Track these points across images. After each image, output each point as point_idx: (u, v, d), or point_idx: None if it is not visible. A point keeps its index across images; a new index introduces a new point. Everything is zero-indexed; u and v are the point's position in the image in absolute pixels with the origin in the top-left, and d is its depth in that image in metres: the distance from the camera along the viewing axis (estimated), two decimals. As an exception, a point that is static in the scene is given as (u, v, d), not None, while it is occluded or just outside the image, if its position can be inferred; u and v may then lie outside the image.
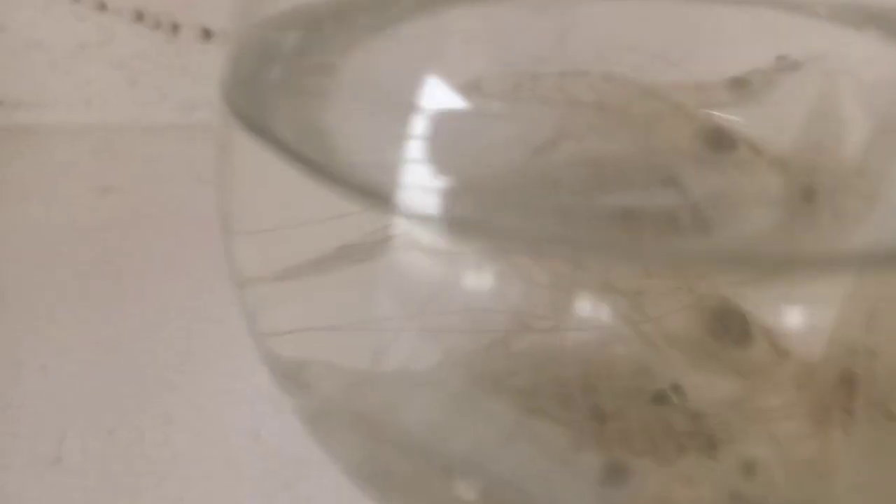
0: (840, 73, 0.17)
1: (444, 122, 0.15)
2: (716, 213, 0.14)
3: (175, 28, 0.33)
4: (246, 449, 0.19)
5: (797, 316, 0.12)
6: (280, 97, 0.15)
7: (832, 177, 0.14)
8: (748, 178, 0.15)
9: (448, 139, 0.15)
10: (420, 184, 0.13)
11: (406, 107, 0.14)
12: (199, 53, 0.33)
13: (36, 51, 0.33)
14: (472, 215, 0.14)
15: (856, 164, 0.14)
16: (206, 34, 0.33)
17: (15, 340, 0.22)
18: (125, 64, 0.33)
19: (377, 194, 0.13)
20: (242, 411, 0.20)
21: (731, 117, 0.16)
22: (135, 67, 0.33)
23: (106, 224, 0.27)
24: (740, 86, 0.17)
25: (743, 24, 0.18)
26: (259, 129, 0.14)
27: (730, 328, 0.12)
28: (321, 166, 0.13)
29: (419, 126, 0.14)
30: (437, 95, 0.15)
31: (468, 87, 0.16)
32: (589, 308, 0.13)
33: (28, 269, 0.25)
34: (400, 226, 0.13)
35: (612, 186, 0.15)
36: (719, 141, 0.15)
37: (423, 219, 0.13)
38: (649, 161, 0.15)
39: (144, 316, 0.23)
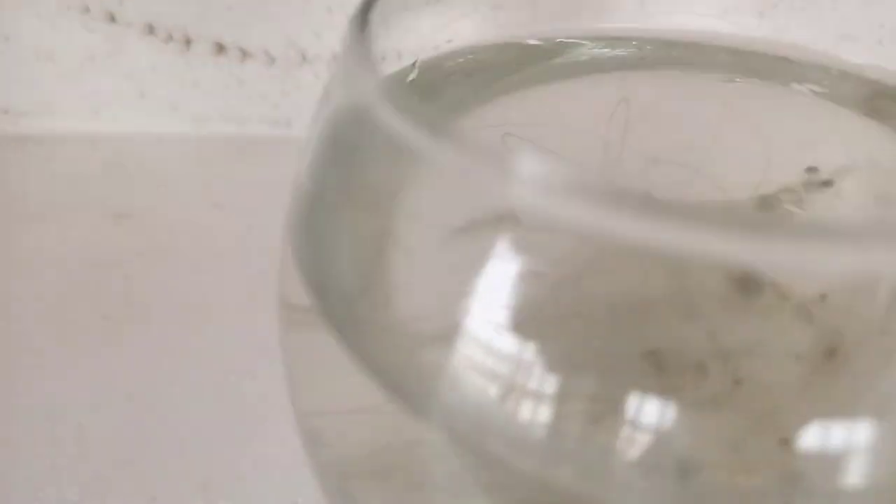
0: (876, 195, 0.17)
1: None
2: (744, 362, 0.15)
3: (188, 42, 0.32)
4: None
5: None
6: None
7: (856, 334, 0.15)
8: (774, 326, 0.16)
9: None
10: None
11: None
12: (212, 67, 0.33)
13: (44, 61, 0.33)
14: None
15: (880, 321, 0.15)
16: (220, 48, 0.33)
17: (44, 392, 0.23)
18: (134, 76, 0.33)
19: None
20: (278, 478, 0.20)
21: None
22: (145, 79, 0.33)
23: (123, 256, 0.28)
24: (769, 206, 0.17)
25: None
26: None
27: (747, 283, 0.15)
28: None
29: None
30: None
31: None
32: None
33: (50, 306, 0.26)
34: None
35: (640, 324, 0.16)
36: (747, 285, 0.16)
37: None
38: (680, 302, 0.16)
39: (174, 365, 0.24)
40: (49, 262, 0.27)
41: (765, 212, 0.17)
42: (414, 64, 0.18)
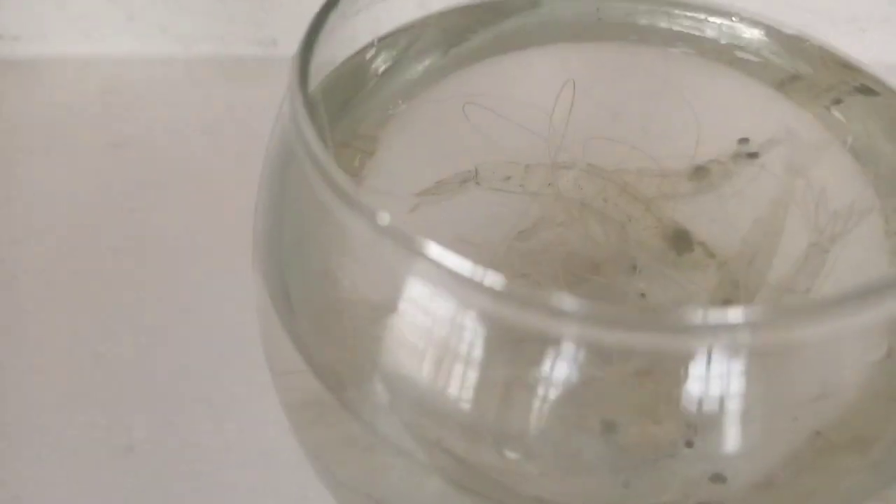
0: (795, 170, 0.19)
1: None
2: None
3: (170, -34, 0.33)
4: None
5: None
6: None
7: (766, 290, 0.18)
8: (700, 279, 0.18)
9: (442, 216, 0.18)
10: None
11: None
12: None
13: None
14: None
15: (788, 280, 0.18)
16: (202, -27, 0.33)
17: (59, 324, 0.25)
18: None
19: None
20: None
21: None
22: (133, 2, 0.34)
23: (124, 187, 0.30)
24: (700, 176, 0.19)
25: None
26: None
27: (679, 241, 0.18)
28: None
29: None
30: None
31: (466, 175, 0.19)
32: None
33: (59, 240, 0.28)
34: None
35: (582, 274, 0.19)
36: (679, 243, 0.18)
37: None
38: (618, 257, 0.19)
39: (180, 293, 0.26)
40: (53, 195, 0.29)
41: (697, 182, 0.20)
42: (372, 43, 0.20)
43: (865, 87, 0.21)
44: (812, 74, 0.20)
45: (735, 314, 0.10)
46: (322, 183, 0.12)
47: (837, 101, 0.20)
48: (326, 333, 0.15)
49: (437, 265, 0.11)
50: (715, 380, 0.10)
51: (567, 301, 0.10)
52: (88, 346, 0.25)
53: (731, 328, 0.10)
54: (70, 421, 0.23)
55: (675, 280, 0.18)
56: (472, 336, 0.11)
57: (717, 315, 0.10)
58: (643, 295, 0.18)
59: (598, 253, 0.19)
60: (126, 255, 0.28)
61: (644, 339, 0.10)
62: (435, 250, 0.11)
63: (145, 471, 0.22)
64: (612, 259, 0.19)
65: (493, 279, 0.10)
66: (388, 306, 0.12)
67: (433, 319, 0.11)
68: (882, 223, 0.18)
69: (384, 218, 0.11)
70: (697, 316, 0.10)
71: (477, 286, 0.10)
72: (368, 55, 0.19)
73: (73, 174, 0.30)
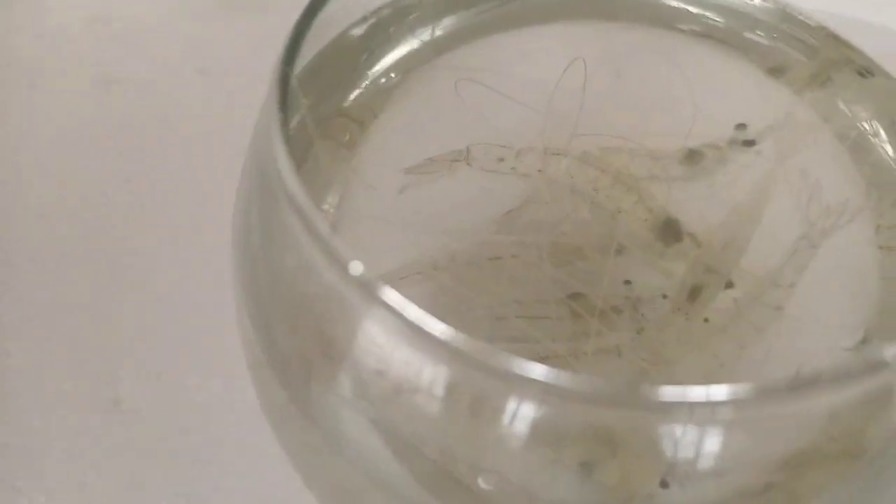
0: (789, 157, 0.19)
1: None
2: (651, 306, 0.18)
3: None
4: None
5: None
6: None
7: (748, 282, 0.18)
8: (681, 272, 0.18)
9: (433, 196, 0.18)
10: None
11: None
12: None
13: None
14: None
15: (774, 273, 0.18)
16: None
17: (47, 273, 0.25)
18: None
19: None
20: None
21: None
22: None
23: (117, 130, 0.29)
24: (693, 160, 0.19)
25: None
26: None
27: (668, 232, 0.18)
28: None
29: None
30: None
31: (457, 155, 0.19)
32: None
33: (44, 185, 0.28)
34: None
35: (568, 259, 0.18)
36: (668, 234, 0.18)
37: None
38: (605, 241, 0.18)
39: (175, 242, 0.26)
40: (46, 133, 0.29)
41: (691, 166, 0.19)
42: (365, 17, 0.19)
43: (864, 68, 0.20)
44: (816, 58, 0.20)
45: (699, 393, 0.10)
46: (300, 228, 0.12)
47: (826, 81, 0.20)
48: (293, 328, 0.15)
49: (404, 320, 0.11)
50: (687, 444, 0.11)
51: (528, 369, 0.10)
52: (76, 296, 0.25)
53: (694, 406, 0.10)
54: (57, 374, 0.24)
55: (661, 269, 0.18)
56: (435, 382, 0.11)
57: (677, 393, 0.10)
58: (628, 282, 0.18)
59: (585, 236, 0.19)
60: (117, 201, 0.27)
61: (608, 415, 0.10)
62: (414, 313, 0.11)
63: (133, 425, 0.23)
64: (599, 243, 0.19)
65: (457, 340, 0.10)
66: (351, 345, 0.12)
67: (398, 363, 0.11)
68: (874, 220, 0.18)
69: (356, 268, 0.11)
70: (658, 395, 0.10)
71: (442, 345, 0.10)
72: (360, 30, 0.19)
73: (63, 111, 0.30)
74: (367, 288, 0.12)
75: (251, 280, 0.15)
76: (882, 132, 0.19)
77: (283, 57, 0.13)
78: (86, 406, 0.23)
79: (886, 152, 0.19)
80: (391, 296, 0.11)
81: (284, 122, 0.12)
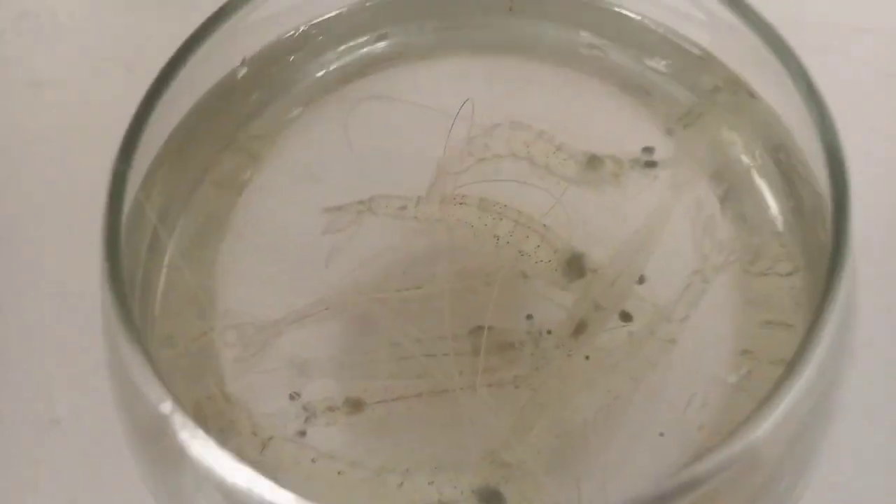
0: (684, 188, 0.19)
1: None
2: (552, 340, 0.18)
3: None
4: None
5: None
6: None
7: (649, 313, 0.18)
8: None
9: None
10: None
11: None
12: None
13: None
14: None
15: (669, 307, 0.18)
16: None
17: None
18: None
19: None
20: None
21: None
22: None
23: (44, 133, 0.29)
24: (592, 165, 0.19)
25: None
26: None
27: (572, 268, 0.19)
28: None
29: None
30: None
31: (362, 204, 0.19)
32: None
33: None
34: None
35: (474, 286, 0.19)
36: (572, 271, 0.19)
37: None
38: (510, 271, 0.19)
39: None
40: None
41: (588, 170, 0.20)
42: (243, 62, 0.19)
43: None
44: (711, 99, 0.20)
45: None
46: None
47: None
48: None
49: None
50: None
51: None
52: (7, 308, 0.25)
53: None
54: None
55: (563, 304, 0.18)
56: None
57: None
58: (530, 316, 0.18)
59: (488, 272, 0.19)
60: (46, 210, 0.27)
61: None
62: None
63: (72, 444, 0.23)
64: (504, 271, 0.19)
65: None
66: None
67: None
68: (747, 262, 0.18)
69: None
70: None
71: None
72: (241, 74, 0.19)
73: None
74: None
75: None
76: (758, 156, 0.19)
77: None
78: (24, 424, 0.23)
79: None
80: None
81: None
